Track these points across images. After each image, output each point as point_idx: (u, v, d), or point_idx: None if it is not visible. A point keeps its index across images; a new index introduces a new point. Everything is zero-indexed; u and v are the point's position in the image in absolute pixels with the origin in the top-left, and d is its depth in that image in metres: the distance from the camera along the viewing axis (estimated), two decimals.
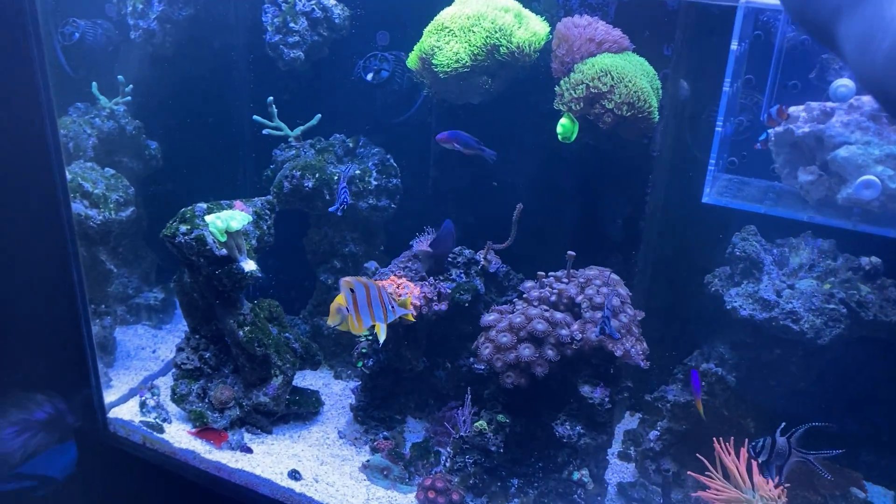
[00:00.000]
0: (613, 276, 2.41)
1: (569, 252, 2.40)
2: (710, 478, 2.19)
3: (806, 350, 2.33)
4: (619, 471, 2.66)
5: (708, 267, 2.56)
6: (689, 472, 2.33)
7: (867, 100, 1.81)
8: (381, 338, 2.18)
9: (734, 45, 1.89)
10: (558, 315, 2.36)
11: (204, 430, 2.73)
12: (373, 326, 2.18)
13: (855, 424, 2.54)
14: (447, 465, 2.48)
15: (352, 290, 2.09)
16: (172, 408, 2.86)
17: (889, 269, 2.24)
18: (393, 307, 2.17)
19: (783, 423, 1.94)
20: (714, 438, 2.30)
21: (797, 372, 2.39)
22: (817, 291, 2.24)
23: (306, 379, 3.11)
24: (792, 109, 1.97)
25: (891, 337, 2.30)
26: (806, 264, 2.31)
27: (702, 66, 2.45)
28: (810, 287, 2.25)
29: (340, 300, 2.14)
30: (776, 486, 2.14)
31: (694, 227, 2.60)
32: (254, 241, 2.78)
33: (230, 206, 2.73)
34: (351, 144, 3.06)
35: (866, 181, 1.77)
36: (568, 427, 2.33)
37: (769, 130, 2.03)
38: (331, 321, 2.20)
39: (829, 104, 1.89)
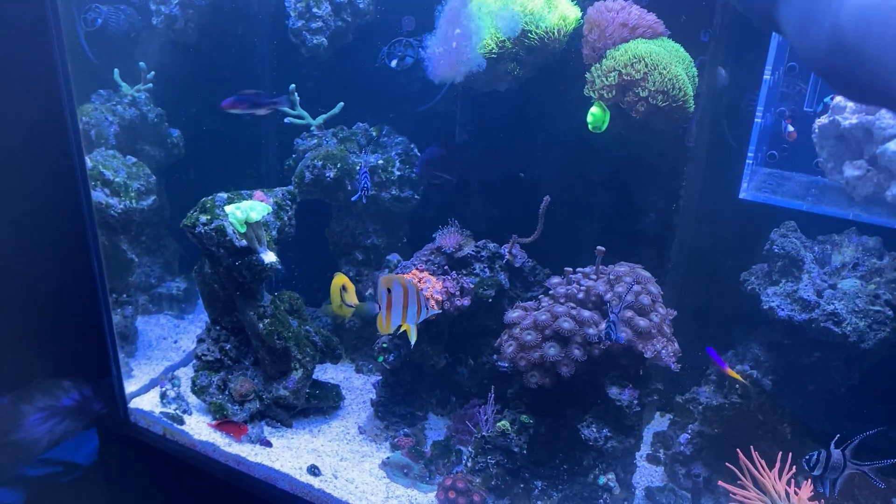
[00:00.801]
0: (644, 272, 2.31)
1: (598, 247, 2.31)
2: (742, 487, 2.10)
3: (847, 354, 2.21)
4: (647, 474, 2.56)
5: (744, 264, 2.44)
6: (719, 483, 2.24)
7: None
8: (413, 339, 2.14)
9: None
10: (586, 313, 2.27)
11: (224, 422, 2.70)
12: (399, 326, 2.13)
13: None
14: (468, 464, 2.41)
15: (388, 290, 2.06)
16: (193, 399, 2.83)
17: None
18: (427, 308, 2.14)
19: (837, 436, 1.83)
20: (747, 446, 2.21)
21: (837, 377, 2.26)
22: (861, 292, 2.11)
23: (327, 372, 3.06)
24: (838, 99, 1.84)
25: None
26: (849, 263, 2.18)
27: (741, 53, 2.33)
28: (854, 287, 2.12)
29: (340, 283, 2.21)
30: (821, 500, 2.04)
31: (730, 222, 2.48)
32: (274, 233, 2.73)
33: (250, 197, 2.69)
34: (374, 133, 2.98)
35: None
36: (594, 429, 2.24)
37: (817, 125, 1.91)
38: (336, 309, 2.23)
39: None
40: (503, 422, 2.35)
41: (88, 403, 3.16)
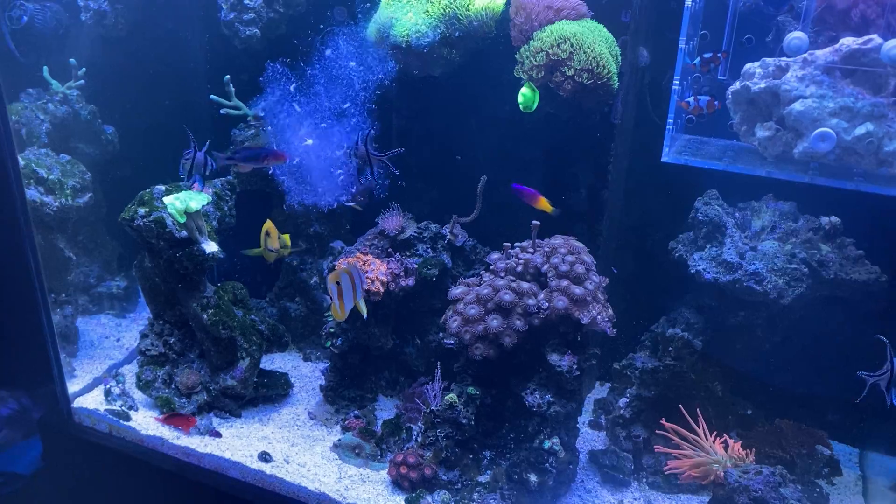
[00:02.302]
0: (578, 243, 2.41)
1: (533, 221, 2.40)
2: (677, 446, 2.22)
3: (770, 311, 2.35)
4: (590, 439, 2.67)
5: (672, 234, 2.57)
6: (656, 448, 2.36)
7: (821, 53, 1.82)
8: (365, 313, 2.23)
9: (688, 2, 1.89)
10: (525, 285, 2.36)
11: (171, 416, 2.69)
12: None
13: (820, 385, 2.58)
14: (419, 439, 2.46)
15: (338, 283, 2.14)
16: (139, 395, 2.81)
17: (845, 220, 2.26)
18: (362, 280, 2.25)
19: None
20: (682, 405, 2.33)
21: (762, 334, 2.41)
22: (779, 252, 2.26)
23: (275, 362, 3.08)
24: (748, 66, 1.97)
25: (851, 295, 2.34)
26: (768, 226, 2.33)
27: (660, 33, 2.45)
28: (772, 248, 2.27)
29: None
30: (752, 449, 2.17)
31: (657, 195, 2.61)
32: (214, 223, 2.74)
33: (189, 188, 2.68)
34: (312, 122, 3.01)
35: (821, 133, 1.78)
36: (537, 396, 2.32)
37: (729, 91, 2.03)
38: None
39: (784, 59, 1.90)
40: (451, 395, 2.41)
41: (27, 412, 3.10)
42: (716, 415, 2.43)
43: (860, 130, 1.74)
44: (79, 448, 2.78)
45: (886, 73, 1.75)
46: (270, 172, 2.81)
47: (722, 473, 2.12)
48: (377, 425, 2.68)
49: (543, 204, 2.32)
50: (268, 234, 2.54)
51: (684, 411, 2.21)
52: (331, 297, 2.18)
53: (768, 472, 2.08)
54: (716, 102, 2.05)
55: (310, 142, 2.71)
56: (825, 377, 2.56)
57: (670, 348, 2.46)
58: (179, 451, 2.61)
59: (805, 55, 1.84)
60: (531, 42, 2.34)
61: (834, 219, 2.28)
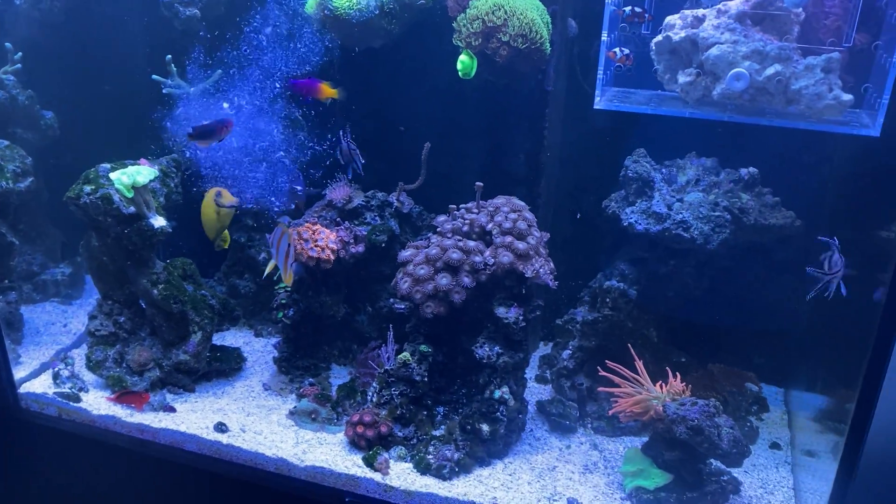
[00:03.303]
0: (520, 202, 2.54)
1: (477, 183, 2.51)
2: (619, 386, 2.35)
3: (697, 258, 2.53)
4: (537, 392, 2.79)
5: (606, 195, 2.73)
6: (599, 389, 2.49)
7: (733, 3, 2.01)
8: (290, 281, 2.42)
9: None
10: (471, 243, 2.47)
11: (124, 394, 2.69)
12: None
13: (747, 328, 2.77)
14: (374, 399, 2.53)
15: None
16: (89, 376, 2.80)
17: (759, 155, 2.45)
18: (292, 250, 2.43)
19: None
20: (621, 353, 2.46)
21: (691, 281, 2.58)
22: (704, 202, 2.44)
23: (227, 338, 3.10)
24: (669, 18, 2.15)
25: (769, 241, 2.53)
26: (692, 180, 2.51)
27: (588, 5, 2.61)
28: (697, 199, 2.44)
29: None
30: (688, 385, 2.32)
31: (590, 157, 2.77)
32: (162, 199, 2.76)
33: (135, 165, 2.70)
34: (252, 99, 3.06)
35: (736, 73, 1.96)
36: (487, 348, 2.42)
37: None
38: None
39: (701, 11, 2.08)
40: (404, 354, 2.49)
41: None
42: (652, 362, 2.59)
43: (770, 71, 1.93)
44: (28, 433, 2.75)
45: (790, 20, 1.95)
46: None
47: (661, 408, 2.26)
48: (332, 391, 2.74)
49: (326, 90, 2.42)
50: (219, 194, 2.61)
51: (616, 366, 2.34)
52: (272, 252, 2.36)
53: (703, 404, 2.23)
54: (630, 54, 2.20)
55: (226, 105, 2.74)
56: (751, 322, 2.76)
57: (607, 300, 2.60)
58: (133, 428, 2.61)
59: (719, 5, 2.04)
60: (467, 10, 2.46)
61: (752, 170, 2.48)
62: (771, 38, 1.95)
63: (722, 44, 1.97)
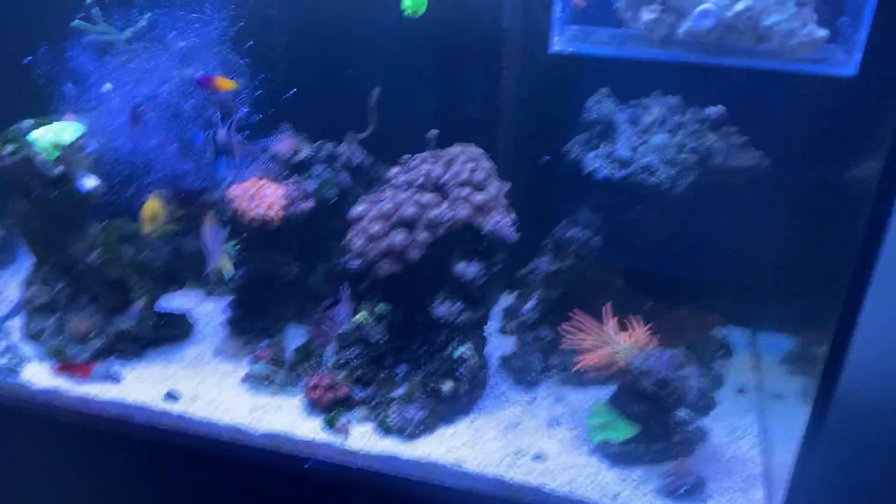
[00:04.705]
0: (476, 150, 2.41)
1: (430, 132, 2.37)
2: (583, 340, 2.29)
3: (664, 204, 2.43)
4: (500, 345, 2.71)
5: (567, 139, 2.60)
6: (563, 342, 2.41)
7: None
8: (230, 272, 2.37)
9: None
10: (427, 196, 2.34)
11: (66, 366, 2.55)
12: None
13: (713, 272, 2.71)
14: (331, 361, 2.44)
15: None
16: (27, 349, 2.65)
17: (730, 96, 2.35)
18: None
19: None
20: (584, 303, 2.39)
21: (657, 226, 2.50)
22: (669, 144, 2.33)
23: (176, 300, 2.94)
24: None
25: (737, 182, 2.45)
26: (658, 120, 2.40)
27: None
28: (663, 140, 2.34)
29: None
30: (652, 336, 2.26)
31: (551, 99, 2.63)
32: (93, 158, 2.56)
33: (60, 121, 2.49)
34: (184, 46, 2.84)
35: (703, 11, 1.83)
36: (446, 307, 2.33)
37: None
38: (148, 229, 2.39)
39: None
40: (361, 314, 2.39)
41: None
42: (618, 310, 2.52)
43: (739, 6, 1.80)
44: None
45: None
46: None
47: (626, 360, 2.20)
48: (288, 353, 2.63)
49: (224, 83, 2.26)
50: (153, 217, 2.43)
51: (581, 316, 2.27)
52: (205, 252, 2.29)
53: (670, 354, 2.17)
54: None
55: (108, 86, 2.49)
56: (716, 265, 2.69)
57: (571, 249, 2.51)
58: (77, 401, 2.49)
59: None
60: None
61: (720, 108, 2.38)
62: None
63: None
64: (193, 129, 2.42)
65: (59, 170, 2.39)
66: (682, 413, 2.19)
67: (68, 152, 2.39)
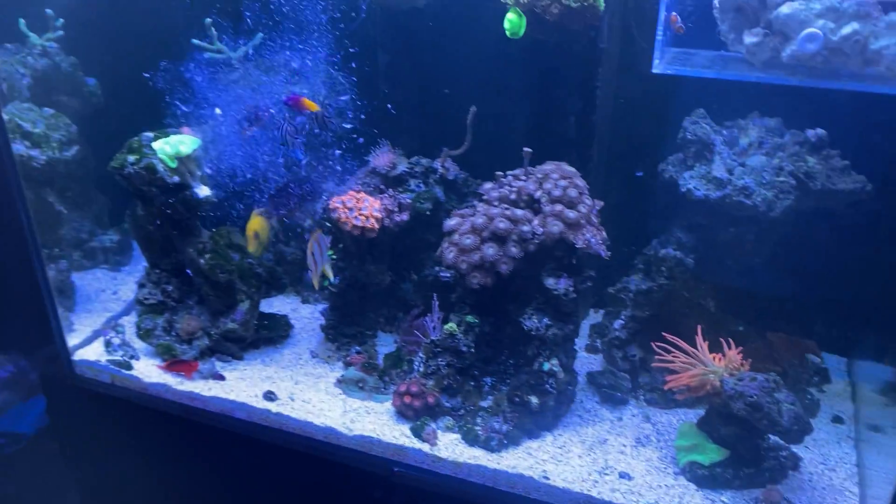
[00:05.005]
0: (570, 168, 2.44)
1: (525, 149, 2.42)
2: (675, 361, 2.27)
3: (760, 226, 2.40)
4: (587, 362, 2.73)
5: (661, 158, 2.60)
6: (655, 360, 2.41)
7: None
8: (332, 277, 2.52)
9: None
10: (519, 212, 2.39)
11: (174, 362, 2.72)
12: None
13: (808, 298, 2.65)
14: (420, 369, 2.51)
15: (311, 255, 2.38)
16: (139, 344, 2.83)
17: (833, 120, 2.30)
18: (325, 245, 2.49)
19: None
20: (676, 323, 2.38)
21: (752, 249, 2.46)
22: (767, 166, 2.30)
23: (274, 305, 3.10)
24: None
25: (837, 207, 2.39)
26: (755, 142, 2.37)
27: None
28: (760, 163, 2.31)
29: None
30: (748, 359, 2.23)
31: (646, 118, 2.64)
32: (207, 169, 2.73)
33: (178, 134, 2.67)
34: (295, 64, 2.99)
35: (809, 34, 1.81)
36: (535, 320, 2.36)
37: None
38: (253, 248, 2.56)
39: None
40: (450, 324, 2.45)
41: (25, 373, 3.13)
42: (709, 332, 2.49)
43: (846, 30, 1.78)
44: (82, 400, 2.81)
45: None
46: None
47: (718, 383, 2.18)
48: (379, 359, 2.72)
49: (309, 104, 2.41)
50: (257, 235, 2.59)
51: (673, 338, 2.26)
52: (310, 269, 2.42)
53: (762, 379, 2.14)
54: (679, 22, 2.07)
55: (218, 111, 2.65)
56: (813, 290, 2.63)
57: (663, 268, 2.50)
58: (184, 395, 2.64)
59: None
60: None
61: (819, 131, 2.33)
62: None
63: (793, 1, 1.81)
64: (294, 143, 2.57)
65: (176, 179, 2.56)
66: (773, 437, 2.15)
67: (185, 163, 2.56)
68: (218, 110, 2.64)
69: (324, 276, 2.71)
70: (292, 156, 2.56)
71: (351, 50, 2.69)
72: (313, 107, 2.40)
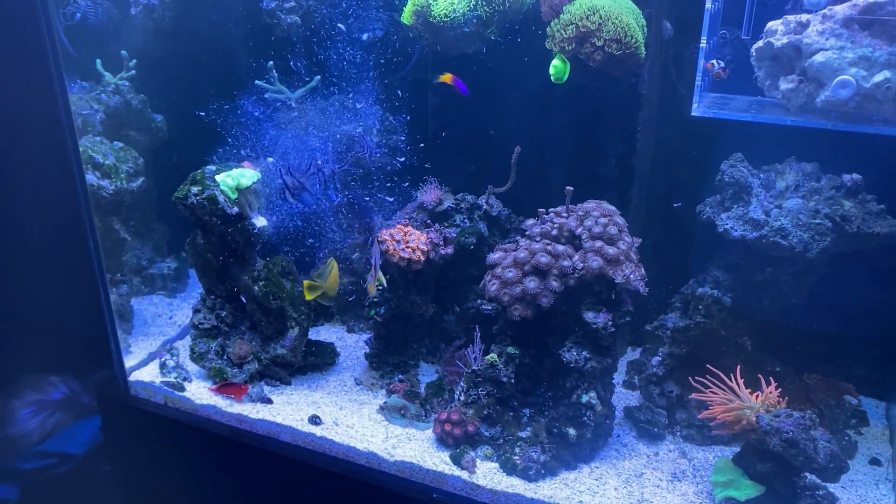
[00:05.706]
0: (610, 206, 2.53)
1: (567, 187, 2.52)
2: (712, 395, 2.32)
3: (796, 266, 2.45)
4: (624, 398, 2.78)
5: (699, 200, 2.68)
6: (692, 395, 2.45)
7: (840, 8, 1.94)
8: (384, 283, 2.58)
9: None
10: (560, 247, 2.48)
11: (224, 385, 2.83)
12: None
13: (847, 339, 2.67)
14: (461, 398, 2.58)
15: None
16: (192, 367, 2.96)
17: (869, 164, 2.36)
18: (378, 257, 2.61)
19: None
20: (712, 361, 2.42)
21: (789, 290, 2.51)
22: (804, 209, 2.36)
23: (321, 333, 3.22)
24: (770, 24, 2.10)
25: (873, 250, 2.43)
26: (791, 186, 2.44)
27: (684, 7, 2.57)
28: (797, 205, 2.38)
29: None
30: (784, 398, 2.27)
31: (684, 161, 2.73)
32: (263, 201, 2.88)
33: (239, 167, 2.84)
34: (351, 105, 3.16)
35: (842, 81, 1.90)
36: (574, 353, 2.43)
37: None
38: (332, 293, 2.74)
39: (805, 16, 2.02)
40: (491, 355, 2.53)
41: (77, 396, 3.28)
42: (746, 371, 2.53)
43: (878, 77, 1.86)
44: (136, 419, 2.93)
45: None
46: None
47: (754, 419, 2.22)
48: (420, 388, 2.81)
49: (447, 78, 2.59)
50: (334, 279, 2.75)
51: (714, 370, 2.31)
52: (373, 265, 2.52)
53: (799, 416, 2.17)
54: (727, 67, 2.17)
55: (271, 159, 2.84)
56: (850, 332, 2.66)
57: (700, 306, 2.56)
58: (233, 418, 2.75)
59: (825, 10, 1.97)
60: (561, 15, 2.47)
61: (856, 176, 2.39)
62: (880, 44, 1.88)
63: (827, 50, 1.91)
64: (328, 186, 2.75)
65: (235, 210, 2.71)
66: (810, 476, 2.18)
67: (244, 194, 2.71)
68: (270, 159, 2.81)
69: (372, 305, 2.83)
70: (328, 196, 2.72)
71: (402, 93, 2.86)
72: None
